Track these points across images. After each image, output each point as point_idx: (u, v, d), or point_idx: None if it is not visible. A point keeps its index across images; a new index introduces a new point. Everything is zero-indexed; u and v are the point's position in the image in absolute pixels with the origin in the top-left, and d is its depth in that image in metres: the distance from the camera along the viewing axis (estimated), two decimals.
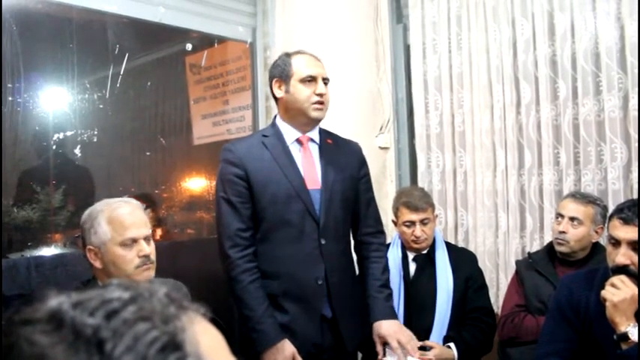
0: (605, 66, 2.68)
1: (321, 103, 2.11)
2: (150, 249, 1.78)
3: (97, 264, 1.75)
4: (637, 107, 2.59)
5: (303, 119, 2.14)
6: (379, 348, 2.11)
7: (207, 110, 3.77)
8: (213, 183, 3.64)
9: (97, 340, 0.49)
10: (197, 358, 0.51)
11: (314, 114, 2.11)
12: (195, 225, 3.71)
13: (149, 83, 3.43)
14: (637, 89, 2.57)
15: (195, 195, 3.77)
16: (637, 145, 2.59)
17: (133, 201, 1.86)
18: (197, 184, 3.82)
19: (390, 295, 2.24)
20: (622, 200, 2.50)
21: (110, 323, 0.50)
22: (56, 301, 0.52)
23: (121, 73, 3.05)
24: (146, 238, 1.78)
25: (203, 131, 3.80)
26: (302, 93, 2.10)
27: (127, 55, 3.07)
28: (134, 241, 1.75)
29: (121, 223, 1.74)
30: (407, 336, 2.12)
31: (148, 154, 3.46)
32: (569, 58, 2.79)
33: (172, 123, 3.84)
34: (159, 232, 3.44)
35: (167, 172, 3.66)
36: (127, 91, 3.18)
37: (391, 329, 2.11)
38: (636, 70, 2.59)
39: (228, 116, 3.68)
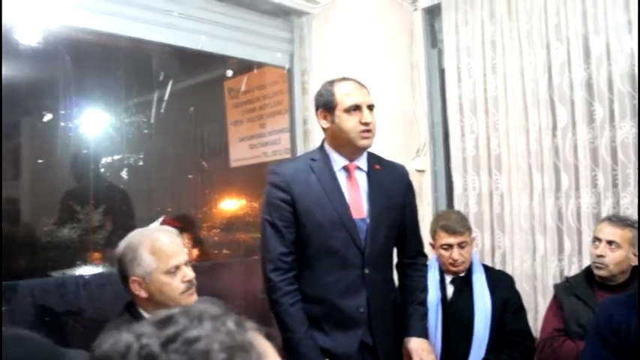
0: None
1: (368, 131, 2.11)
2: (192, 273, 1.85)
3: (142, 294, 1.79)
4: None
5: (350, 148, 2.14)
6: None
7: (245, 133, 3.86)
8: (251, 204, 3.74)
9: None
10: None
11: (361, 142, 2.11)
12: (232, 245, 3.78)
13: (190, 108, 3.54)
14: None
15: (233, 216, 3.84)
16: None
17: (169, 228, 1.93)
18: (234, 205, 3.89)
19: (426, 314, 2.26)
20: None
21: None
22: (138, 342, 0.54)
23: (165, 98, 3.17)
24: (186, 264, 1.85)
25: (240, 154, 3.89)
26: (348, 123, 2.09)
27: (170, 81, 3.19)
28: (177, 267, 1.81)
29: (164, 252, 1.80)
30: (430, 357, 2.13)
31: (189, 176, 3.56)
32: (605, 80, 2.80)
33: (211, 146, 3.95)
34: (197, 252, 3.52)
35: (206, 193, 3.75)
36: (170, 115, 3.30)
37: (418, 346, 2.13)
38: None
39: (265, 139, 3.75)
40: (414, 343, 2.14)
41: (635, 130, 2.72)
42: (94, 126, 2.88)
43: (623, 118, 2.73)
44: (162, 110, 3.15)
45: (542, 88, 2.98)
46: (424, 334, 2.20)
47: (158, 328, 0.56)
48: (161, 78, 3.14)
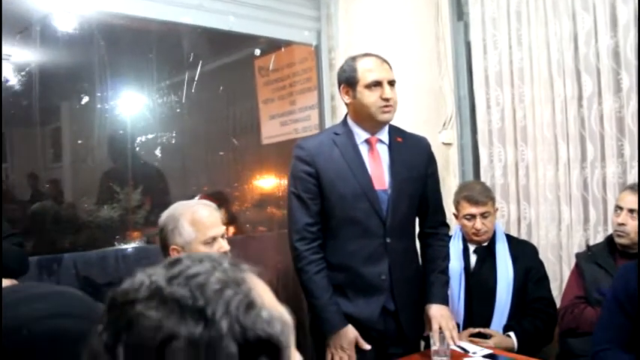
0: None
1: (389, 106, 2.16)
2: (227, 245, 1.97)
3: None
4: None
5: (371, 122, 2.21)
6: (428, 328, 2.21)
7: (275, 111, 3.93)
8: (282, 181, 3.83)
9: (198, 308, 0.61)
10: (266, 309, 0.65)
11: (382, 117, 2.17)
12: (266, 221, 3.88)
13: (221, 87, 3.63)
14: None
15: (265, 192, 3.94)
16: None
17: (208, 202, 2.05)
18: (267, 182, 3.98)
19: (447, 282, 2.33)
20: None
21: (204, 293, 0.62)
22: (148, 278, 0.65)
23: (196, 78, 3.26)
24: (223, 236, 1.97)
25: (271, 131, 3.96)
26: (368, 98, 2.15)
27: (200, 61, 3.28)
28: (214, 239, 1.93)
29: (203, 223, 1.92)
30: (450, 323, 2.19)
31: (221, 154, 3.66)
32: (632, 48, 2.77)
33: (243, 124, 4.03)
34: (231, 228, 3.63)
35: (238, 171, 3.85)
36: (201, 95, 3.39)
37: (438, 313, 2.20)
38: None
39: (295, 116, 3.82)
40: (435, 310, 2.21)
41: None
42: (129, 107, 3.00)
43: None
44: (193, 90, 3.24)
45: (568, 57, 2.97)
46: (445, 301, 2.27)
47: (166, 268, 0.66)
48: (191, 59, 3.23)
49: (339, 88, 2.26)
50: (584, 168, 2.96)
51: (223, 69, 3.79)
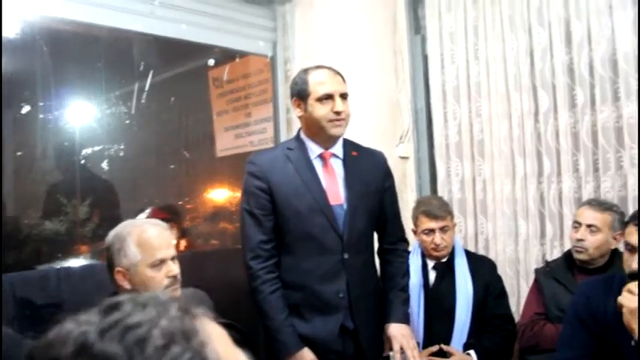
0: (623, 72, 2.69)
1: (340, 119, 2.12)
2: (177, 269, 1.84)
3: (126, 285, 1.78)
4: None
5: (323, 137, 2.16)
6: (387, 348, 2.13)
7: (230, 123, 3.85)
8: (237, 194, 3.73)
9: None
10: None
11: (333, 131, 2.12)
12: (219, 235, 3.78)
13: (173, 98, 3.52)
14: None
15: (218, 206, 3.84)
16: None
17: (159, 222, 1.92)
18: (220, 195, 3.89)
19: (407, 300, 2.27)
20: None
21: (144, 352, 0.51)
22: (78, 330, 0.53)
23: (146, 88, 3.15)
24: (173, 258, 1.84)
25: (226, 143, 3.87)
26: (319, 112, 2.10)
27: (151, 71, 3.16)
28: (162, 261, 1.80)
29: (151, 244, 1.79)
30: (411, 343, 2.13)
31: (172, 167, 3.54)
32: (586, 65, 2.80)
33: (196, 136, 3.93)
34: (183, 242, 3.52)
35: (191, 184, 3.74)
36: (152, 105, 3.28)
37: (398, 332, 2.14)
38: None
39: (251, 128, 3.74)
40: (395, 329, 2.15)
41: (615, 115, 2.73)
42: (75, 117, 2.86)
43: (603, 103, 2.75)
44: (143, 101, 3.13)
45: (525, 73, 2.99)
46: (405, 319, 2.21)
47: (102, 315, 0.55)
48: (142, 68, 3.12)
49: (292, 100, 2.22)
50: (540, 183, 2.97)
51: (176, 79, 3.68)
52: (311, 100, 2.12)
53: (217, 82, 3.93)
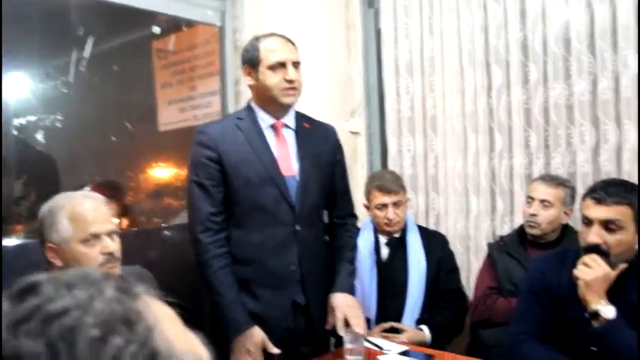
0: (575, 50, 2.70)
1: (293, 88, 2.06)
2: (114, 245, 1.70)
3: (57, 262, 1.66)
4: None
5: (275, 106, 2.09)
6: (331, 318, 2.07)
7: (174, 96, 3.70)
8: (180, 171, 3.60)
9: None
10: (173, 355, 0.43)
11: (285, 99, 2.06)
12: (163, 212, 3.64)
13: (115, 67, 3.34)
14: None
15: (161, 182, 3.70)
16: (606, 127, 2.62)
17: (96, 195, 1.78)
18: (163, 171, 3.75)
19: (354, 272, 2.23)
20: (591, 182, 2.53)
21: (74, 348, 0.39)
22: None
23: (86, 56, 2.96)
24: (110, 234, 1.70)
25: (169, 117, 3.72)
26: (271, 80, 2.04)
27: (92, 38, 2.97)
28: (97, 237, 1.66)
29: (84, 219, 1.65)
30: (356, 312, 2.06)
31: (113, 139, 3.37)
32: (540, 42, 2.80)
33: (138, 109, 3.76)
34: (125, 221, 3.37)
35: (133, 159, 3.58)
36: (92, 75, 3.09)
37: (343, 302, 2.08)
38: (606, 54, 2.61)
39: (196, 102, 3.61)
40: (339, 299, 2.09)
41: (566, 92, 2.74)
42: (6, 85, 2.65)
43: (556, 80, 2.75)
44: (82, 69, 2.93)
45: (479, 48, 2.96)
46: (350, 290, 2.16)
47: (15, 301, 0.42)
48: (82, 34, 2.92)
49: (242, 68, 2.14)
50: (492, 159, 2.96)
51: (118, 49, 3.49)
52: (262, 68, 2.05)
53: (161, 53, 3.77)
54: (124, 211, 3.34)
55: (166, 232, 3.13)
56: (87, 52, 3.00)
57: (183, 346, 0.44)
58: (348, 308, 2.06)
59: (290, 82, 2.05)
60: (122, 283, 0.46)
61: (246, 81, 2.12)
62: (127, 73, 3.60)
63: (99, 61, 3.17)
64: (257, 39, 2.12)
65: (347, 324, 2.03)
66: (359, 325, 2.01)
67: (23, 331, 0.39)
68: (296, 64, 2.08)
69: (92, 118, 3.29)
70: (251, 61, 2.08)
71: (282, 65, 2.04)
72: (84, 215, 1.66)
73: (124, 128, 3.50)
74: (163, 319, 0.45)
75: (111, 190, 3.22)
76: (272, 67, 2.04)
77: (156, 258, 2.81)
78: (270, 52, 2.05)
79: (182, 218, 3.30)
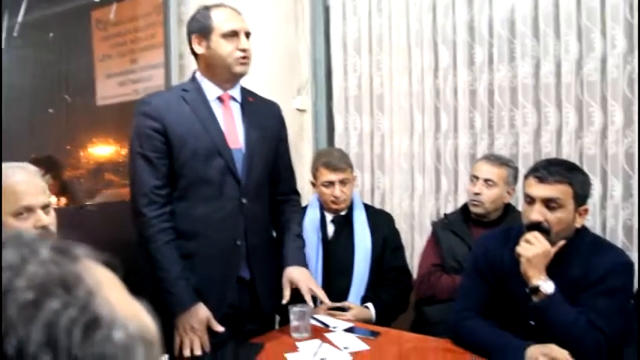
0: (520, 34, 2.74)
1: (246, 57, 2.03)
2: (49, 219, 1.61)
3: None
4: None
5: (226, 75, 2.05)
6: (287, 292, 2.06)
7: (114, 69, 3.56)
8: (119, 148, 3.48)
9: None
10: (119, 326, 0.38)
11: (238, 69, 2.02)
12: (101, 188, 3.52)
13: (51, 34, 3.19)
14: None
15: (101, 159, 3.58)
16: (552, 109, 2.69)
17: (29, 166, 1.68)
18: (102, 147, 3.62)
19: (304, 246, 2.23)
20: (532, 163, 2.59)
21: (2, 314, 0.35)
22: None
23: (19, 21, 2.80)
24: (44, 207, 1.61)
25: (108, 91, 3.59)
26: (224, 48, 2.00)
27: (25, 2, 2.82)
28: (29, 210, 1.57)
29: (15, 191, 1.56)
30: (316, 284, 2.11)
31: (50, 111, 3.23)
32: (486, 24, 2.84)
33: (76, 82, 3.60)
34: (62, 197, 3.24)
35: (71, 133, 3.44)
36: (27, 43, 2.94)
37: (301, 275, 2.09)
38: (548, 39, 2.67)
39: (136, 75, 3.48)
40: (297, 273, 2.09)
41: (510, 75, 2.79)
42: None
43: (501, 62, 2.80)
44: (15, 35, 2.78)
45: (427, 28, 2.97)
46: (304, 264, 2.16)
47: None
48: None
49: (190, 38, 2.07)
50: (437, 139, 3.00)
51: (55, 16, 3.33)
52: (215, 37, 2.00)
53: (101, 23, 3.62)
54: (62, 189, 3.22)
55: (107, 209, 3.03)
56: (20, 17, 2.85)
57: (127, 313, 0.41)
58: (311, 282, 2.07)
59: (243, 51, 2.01)
60: (60, 244, 0.42)
61: (196, 49, 2.06)
62: (64, 42, 3.45)
63: (34, 29, 3.02)
64: (207, 8, 2.07)
65: (297, 300, 2.03)
66: (325, 297, 2.06)
67: None
68: (247, 35, 2.05)
69: (27, 88, 3.14)
70: (202, 30, 2.02)
71: (235, 34, 2.01)
72: (14, 187, 1.56)
73: (61, 101, 3.36)
74: (105, 284, 0.41)
75: (47, 166, 3.09)
76: (225, 36, 2.00)
77: (94, 236, 2.72)
78: (224, 21, 2.02)
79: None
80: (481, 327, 1.88)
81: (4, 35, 2.75)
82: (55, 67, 3.40)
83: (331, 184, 2.52)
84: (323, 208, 2.59)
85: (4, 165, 1.67)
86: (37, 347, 0.34)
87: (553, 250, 1.79)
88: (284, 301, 2.05)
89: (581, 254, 1.83)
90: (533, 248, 1.78)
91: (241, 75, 2.07)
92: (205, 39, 2.02)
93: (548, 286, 1.75)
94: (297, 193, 2.35)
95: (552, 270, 1.78)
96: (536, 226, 1.81)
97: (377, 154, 3.18)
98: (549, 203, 1.81)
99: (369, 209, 2.66)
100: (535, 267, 1.77)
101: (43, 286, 0.37)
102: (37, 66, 3.20)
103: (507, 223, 2.32)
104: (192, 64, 2.89)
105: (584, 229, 1.90)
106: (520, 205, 2.50)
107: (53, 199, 1.81)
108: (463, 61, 2.88)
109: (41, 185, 1.64)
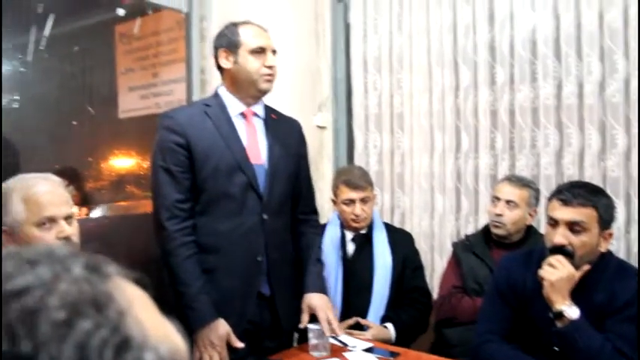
0: (541, 54, 2.74)
1: (271, 75, 2.06)
2: (71, 230, 1.62)
3: (11, 247, 1.58)
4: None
5: (251, 91, 2.07)
6: (305, 317, 2.06)
7: (136, 82, 3.60)
8: (139, 160, 3.51)
9: (20, 358, 0.33)
10: (150, 348, 0.38)
11: (263, 86, 2.05)
12: (123, 200, 3.55)
13: (76, 48, 3.23)
14: None
15: (121, 171, 3.61)
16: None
17: (53, 177, 1.70)
18: (124, 159, 3.65)
19: (324, 270, 2.23)
20: (553, 185, 2.58)
21: (34, 330, 0.34)
22: None
23: (46, 34, 2.85)
24: (67, 218, 1.62)
25: (130, 104, 3.63)
26: (252, 64, 2.03)
27: (52, 17, 2.86)
28: (52, 220, 1.58)
29: (38, 201, 1.57)
30: (333, 314, 2.09)
31: (74, 123, 3.26)
32: (507, 44, 2.83)
33: (99, 95, 3.65)
34: (85, 210, 3.26)
35: (93, 145, 3.47)
36: (52, 55, 2.98)
37: (322, 302, 2.08)
38: (570, 60, 2.66)
39: (158, 89, 3.52)
40: (317, 300, 2.08)
41: (532, 95, 2.78)
42: None
43: (522, 82, 2.79)
44: (42, 48, 2.82)
45: (447, 48, 2.98)
46: (324, 290, 2.15)
47: None
48: (41, 10, 2.81)
49: (217, 52, 2.09)
50: (458, 158, 2.99)
51: (80, 30, 3.38)
52: (242, 52, 2.03)
53: (125, 37, 3.67)
54: (83, 200, 3.25)
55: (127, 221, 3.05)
56: (47, 31, 2.89)
57: (158, 334, 0.40)
58: (329, 310, 2.06)
59: (270, 68, 2.04)
60: (92, 261, 0.42)
61: (222, 64, 2.08)
62: (89, 56, 3.50)
63: (59, 42, 3.06)
64: (235, 25, 2.10)
65: (313, 320, 2.02)
66: (339, 329, 2.05)
67: None
68: (274, 52, 2.09)
69: (52, 100, 3.18)
70: (230, 45, 2.05)
71: (262, 51, 2.04)
72: (38, 197, 1.58)
73: (84, 113, 3.40)
74: (136, 303, 0.41)
75: (69, 177, 3.11)
76: (253, 52, 2.03)
77: (116, 248, 2.73)
78: (252, 37, 2.05)
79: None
80: (504, 351, 1.87)
81: (30, 48, 2.79)
82: (79, 80, 3.45)
83: (352, 202, 2.52)
84: (343, 226, 2.59)
85: (28, 175, 1.69)
86: None
87: (577, 274, 1.77)
88: (301, 326, 2.05)
89: (606, 279, 1.82)
90: (557, 272, 1.76)
91: (265, 92, 2.09)
92: (233, 54, 2.04)
93: (572, 312, 1.74)
94: (317, 213, 2.35)
95: (576, 295, 1.76)
96: (559, 250, 1.80)
97: (397, 173, 3.18)
98: (573, 226, 1.80)
99: (389, 228, 2.65)
100: (559, 291, 1.75)
101: (75, 306, 0.36)
102: (62, 78, 3.24)
103: (529, 246, 2.30)
104: (213, 80, 2.92)
105: (608, 254, 1.88)
106: (542, 228, 2.49)
107: (76, 210, 1.82)
108: (484, 81, 2.88)
109: (65, 196, 1.66)
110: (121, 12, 3.19)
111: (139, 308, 0.41)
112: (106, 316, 0.37)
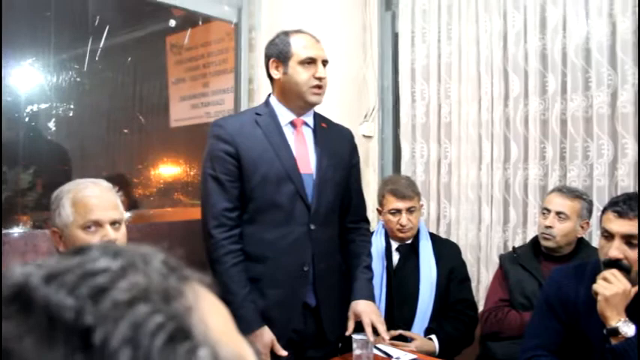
0: (595, 62, 2.66)
1: (320, 87, 2.04)
2: (117, 235, 1.65)
3: (61, 247, 1.64)
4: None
5: (299, 102, 2.07)
6: (351, 324, 2.05)
7: (186, 92, 3.68)
8: (189, 169, 3.57)
9: (81, 328, 0.35)
10: (208, 346, 0.38)
11: (312, 98, 2.04)
12: (171, 207, 3.61)
13: (129, 58, 3.32)
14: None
15: (170, 179, 3.67)
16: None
17: (103, 182, 1.74)
18: (174, 168, 3.72)
19: (372, 278, 2.21)
20: (607, 197, 2.50)
21: (98, 305, 0.36)
22: (22, 272, 0.39)
23: (100, 46, 2.93)
24: (114, 223, 1.66)
25: (181, 113, 3.70)
26: (301, 76, 2.02)
27: (107, 28, 2.95)
28: (98, 224, 1.63)
29: (86, 205, 1.62)
30: (381, 320, 2.07)
31: (125, 131, 3.35)
32: (559, 52, 2.77)
33: (150, 104, 3.74)
34: (132, 214, 3.33)
35: (144, 153, 3.55)
36: (106, 66, 3.06)
37: (368, 308, 2.07)
38: (626, 67, 2.58)
39: (208, 99, 3.59)
40: (363, 306, 2.07)
41: (585, 104, 2.70)
42: (19, 69, 2.62)
43: (574, 91, 2.71)
44: (97, 59, 2.91)
45: (497, 56, 2.93)
46: (371, 297, 2.14)
47: (62, 258, 0.40)
48: (97, 23, 2.90)
49: (268, 62, 2.10)
50: (506, 169, 2.93)
51: (132, 41, 3.48)
52: (293, 63, 2.03)
53: (175, 48, 3.75)
54: (132, 206, 3.32)
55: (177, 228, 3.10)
56: (102, 42, 2.98)
57: (224, 340, 0.40)
58: (374, 315, 2.04)
59: (319, 79, 2.03)
60: (174, 261, 0.44)
61: (272, 74, 2.08)
62: (141, 66, 3.58)
63: (113, 53, 3.14)
64: (286, 34, 2.10)
65: (358, 330, 2.01)
66: (385, 333, 2.02)
67: (56, 283, 0.38)
68: (325, 63, 2.07)
69: (104, 109, 3.27)
70: (280, 55, 2.05)
71: (312, 62, 2.03)
72: (85, 201, 1.63)
73: (135, 122, 3.48)
74: (210, 309, 0.41)
75: (119, 184, 3.18)
76: (303, 63, 2.03)
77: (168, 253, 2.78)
78: (303, 47, 2.04)
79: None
80: None
81: (86, 59, 2.88)
82: (131, 90, 3.54)
83: (398, 211, 2.49)
84: (388, 235, 2.57)
85: (79, 180, 1.74)
86: (119, 343, 0.35)
87: (634, 290, 1.70)
88: (347, 333, 2.04)
89: None
90: (612, 287, 1.70)
91: (314, 104, 2.09)
92: (283, 64, 2.05)
93: (628, 329, 1.67)
94: (367, 221, 2.33)
95: (632, 311, 1.69)
96: (614, 264, 1.73)
97: (443, 183, 3.13)
98: (630, 239, 1.73)
99: (435, 239, 2.62)
100: (614, 307, 1.69)
101: (142, 292, 0.38)
102: (116, 88, 3.33)
103: (580, 259, 2.23)
104: (261, 89, 2.95)
105: None
106: (593, 241, 2.41)
107: (127, 215, 1.87)
108: (535, 90, 2.82)
109: (113, 201, 1.69)
110: (172, 23, 3.27)
111: (209, 313, 0.41)
112: (170, 306, 0.38)
